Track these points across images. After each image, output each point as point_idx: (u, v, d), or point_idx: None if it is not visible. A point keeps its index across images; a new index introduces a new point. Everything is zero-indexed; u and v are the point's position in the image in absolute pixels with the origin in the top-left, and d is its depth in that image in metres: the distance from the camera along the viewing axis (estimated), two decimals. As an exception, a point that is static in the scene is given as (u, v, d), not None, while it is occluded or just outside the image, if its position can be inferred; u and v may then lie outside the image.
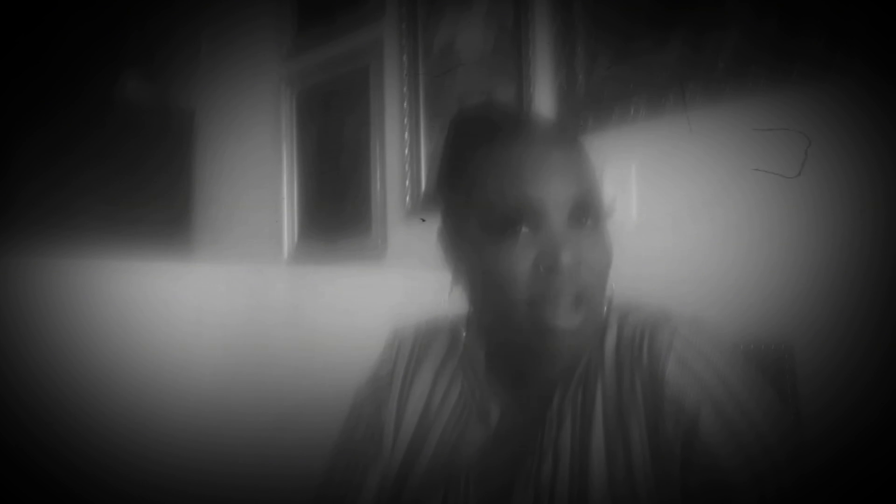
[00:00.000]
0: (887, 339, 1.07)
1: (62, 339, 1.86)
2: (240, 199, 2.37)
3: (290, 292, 2.13)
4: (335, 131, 2.06)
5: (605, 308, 0.83)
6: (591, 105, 1.45)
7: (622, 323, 0.82)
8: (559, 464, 0.79)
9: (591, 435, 0.78)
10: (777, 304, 1.18)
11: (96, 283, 1.97)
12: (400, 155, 1.85)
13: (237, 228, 2.36)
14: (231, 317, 2.19)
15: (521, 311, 0.77)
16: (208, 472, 1.90)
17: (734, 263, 1.24)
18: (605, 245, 0.80)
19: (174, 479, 1.89)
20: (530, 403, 0.85)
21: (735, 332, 1.10)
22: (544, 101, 1.53)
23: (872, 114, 1.10)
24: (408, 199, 1.83)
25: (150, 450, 1.92)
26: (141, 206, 2.34)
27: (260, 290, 2.20)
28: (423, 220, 1.68)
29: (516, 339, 0.81)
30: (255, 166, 2.31)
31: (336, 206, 2.05)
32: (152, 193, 2.38)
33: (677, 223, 1.32)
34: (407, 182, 1.83)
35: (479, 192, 0.79)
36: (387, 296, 1.79)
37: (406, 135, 1.84)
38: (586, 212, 0.78)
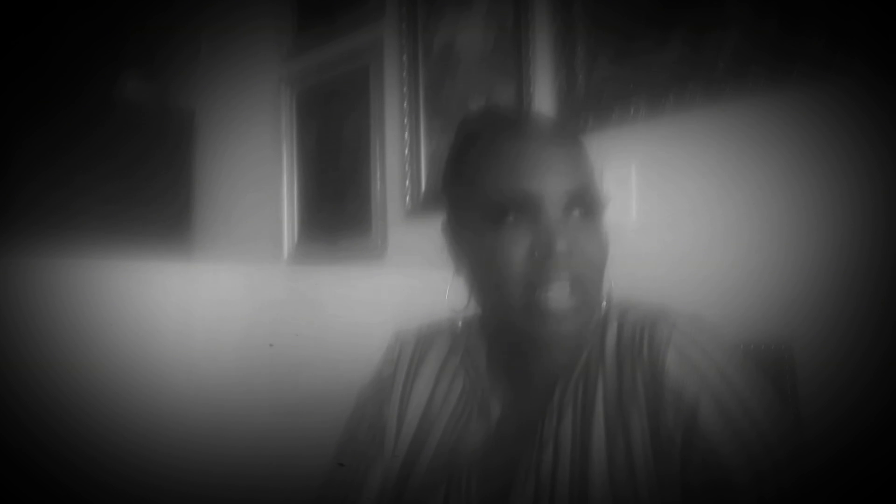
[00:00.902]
0: (887, 339, 1.07)
1: (62, 339, 1.86)
2: (240, 199, 2.37)
3: (290, 292, 2.13)
4: (335, 131, 2.06)
5: (605, 303, 0.85)
6: (591, 105, 1.45)
7: (622, 320, 0.84)
8: (560, 455, 0.80)
9: (592, 426, 0.80)
10: (777, 304, 1.18)
11: (96, 283, 1.97)
12: (400, 155, 1.85)
13: (237, 228, 2.36)
14: (231, 317, 2.19)
15: (517, 296, 0.80)
16: (209, 472, 1.90)
17: (734, 263, 1.24)
18: (600, 236, 0.83)
19: (174, 480, 1.89)
20: (531, 398, 0.86)
21: (735, 332, 1.10)
22: (544, 101, 1.53)
23: (872, 114, 1.10)
24: (408, 199, 1.83)
25: (149, 450, 1.92)
26: (141, 206, 2.34)
27: (260, 290, 2.20)
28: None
29: (514, 325, 0.83)
30: (255, 166, 2.31)
31: (336, 206, 2.05)
32: (152, 193, 2.38)
33: (677, 223, 1.32)
34: (407, 182, 1.83)
35: (479, 184, 0.82)
36: (387, 296, 1.79)
37: (406, 135, 1.84)
38: (582, 204, 0.81)
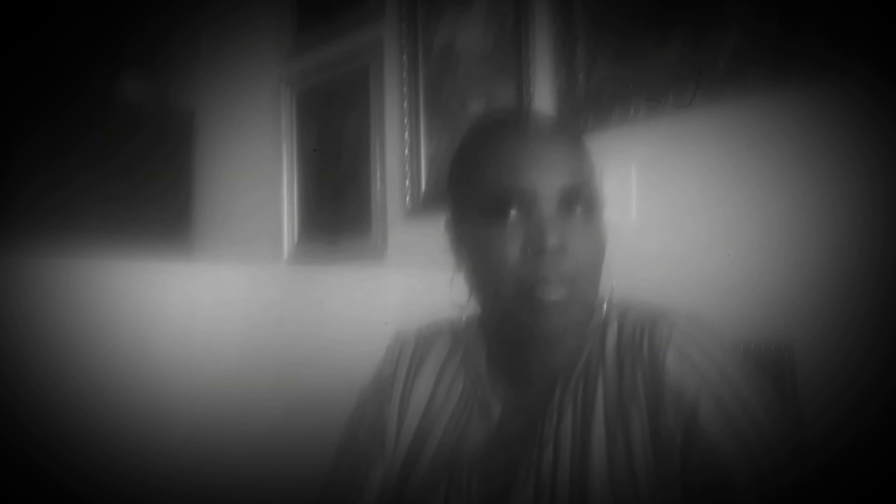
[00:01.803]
0: (887, 339, 1.07)
1: (62, 339, 1.86)
2: (240, 199, 2.37)
3: (290, 292, 2.13)
4: (335, 131, 2.06)
5: (605, 303, 0.86)
6: (591, 105, 1.45)
7: (623, 320, 0.84)
8: (560, 454, 0.80)
9: (592, 425, 0.80)
10: (777, 304, 1.18)
11: (96, 283, 1.97)
12: (400, 155, 1.85)
13: (237, 228, 2.36)
14: (231, 317, 2.19)
15: (511, 289, 0.80)
16: (209, 472, 1.90)
17: (734, 263, 1.24)
18: (596, 234, 0.83)
19: (175, 480, 1.89)
20: (532, 398, 0.86)
21: (735, 332, 1.10)
22: (544, 101, 1.53)
23: (872, 114, 1.10)
24: (408, 199, 1.83)
25: (150, 450, 1.91)
26: (141, 206, 2.34)
27: (260, 290, 2.20)
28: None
29: (509, 319, 0.84)
30: (255, 166, 2.31)
31: (336, 206, 2.05)
32: (152, 193, 2.38)
33: (677, 223, 1.32)
34: (407, 182, 1.83)
35: (478, 180, 0.83)
36: (387, 296, 1.79)
37: (406, 135, 1.84)
38: (578, 201, 0.82)
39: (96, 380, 1.91)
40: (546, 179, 0.81)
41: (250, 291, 2.19)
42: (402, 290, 1.72)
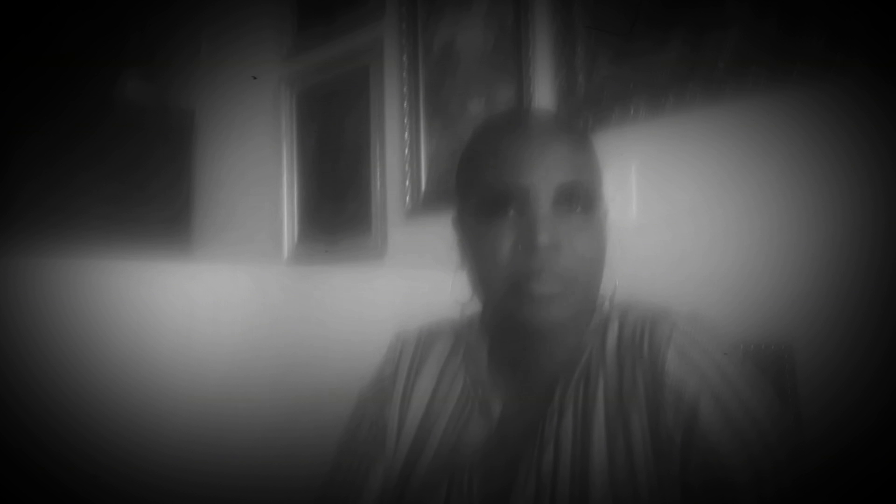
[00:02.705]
0: (887, 339, 1.07)
1: (62, 339, 1.86)
2: (240, 199, 2.37)
3: (289, 292, 2.13)
4: (335, 131, 2.06)
5: (606, 303, 0.86)
6: (591, 105, 1.45)
7: (623, 320, 0.84)
8: (560, 453, 0.80)
9: (593, 424, 0.80)
10: (777, 304, 1.18)
11: (96, 283, 1.97)
12: (400, 155, 1.85)
13: (237, 228, 2.36)
14: (231, 317, 2.19)
15: (504, 284, 0.81)
16: (209, 472, 1.89)
17: (734, 263, 1.24)
18: (594, 233, 0.83)
19: (175, 480, 1.89)
20: (532, 394, 0.86)
21: (735, 333, 1.10)
22: (544, 101, 1.53)
23: (872, 114, 1.10)
24: (408, 199, 1.83)
25: (150, 450, 1.91)
26: (141, 206, 2.34)
27: (260, 290, 2.20)
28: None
29: (505, 314, 0.84)
30: (255, 166, 2.31)
31: (336, 206, 2.05)
32: (152, 193, 2.38)
33: (677, 223, 1.32)
34: (407, 182, 1.83)
35: (480, 177, 0.84)
36: (387, 296, 1.79)
37: (406, 135, 1.83)
38: (575, 199, 0.82)
39: (96, 380, 1.90)
40: (542, 177, 0.81)
41: (250, 291, 2.19)
42: (402, 290, 1.72)
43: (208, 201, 2.48)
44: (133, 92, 2.46)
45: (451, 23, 1.75)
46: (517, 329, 0.85)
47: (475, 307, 0.91)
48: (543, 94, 1.54)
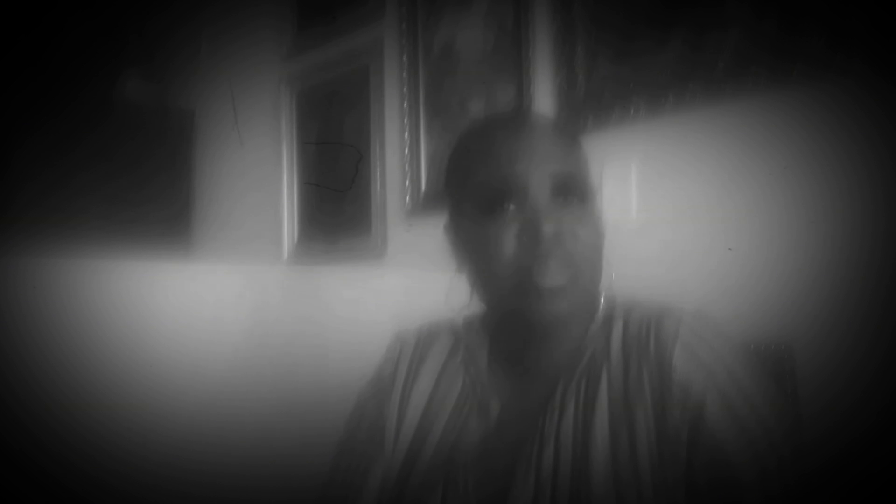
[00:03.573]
0: (887, 339, 1.07)
1: (62, 339, 1.86)
2: (240, 199, 2.37)
3: (289, 292, 2.13)
4: (335, 131, 2.06)
5: (602, 299, 0.86)
6: (591, 105, 1.45)
7: (627, 318, 0.84)
8: (560, 452, 0.80)
9: (595, 421, 0.80)
10: (777, 304, 1.18)
11: (96, 283, 1.97)
12: (400, 155, 1.85)
13: (237, 228, 2.36)
14: (231, 317, 2.19)
15: (512, 280, 0.81)
16: (209, 472, 1.89)
17: (734, 263, 1.24)
18: (593, 221, 0.84)
19: (174, 480, 1.89)
20: (532, 394, 0.86)
21: (735, 333, 1.10)
22: (544, 101, 1.53)
23: (872, 114, 1.10)
24: (408, 199, 1.83)
25: (149, 450, 1.91)
26: (141, 206, 2.34)
27: (260, 290, 2.20)
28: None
29: (510, 310, 0.84)
30: (254, 166, 2.31)
31: (336, 206, 2.05)
32: (152, 193, 2.38)
33: (677, 223, 1.32)
34: (407, 182, 1.83)
35: (473, 176, 0.85)
36: (387, 296, 1.79)
37: (406, 135, 1.83)
38: (571, 189, 0.82)
39: (96, 380, 1.90)
40: (537, 169, 0.81)
41: (250, 291, 2.19)
42: (401, 290, 1.72)
43: (208, 201, 2.47)
44: (133, 92, 2.46)
45: (451, 23, 1.75)
46: (521, 325, 0.85)
47: (474, 308, 0.91)
48: (543, 94, 1.54)
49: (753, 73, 1.22)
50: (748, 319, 1.17)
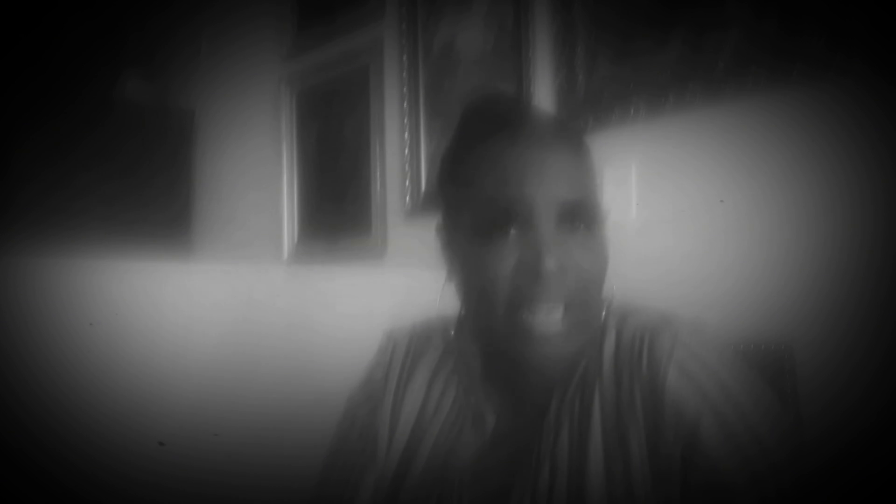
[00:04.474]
0: (887, 339, 1.07)
1: (62, 339, 1.86)
2: (240, 199, 2.37)
3: (290, 292, 2.13)
4: (335, 131, 2.06)
5: (603, 313, 0.81)
6: (591, 105, 1.44)
7: (621, 327, 0.80)
8: (557, 473, 0.77)
9: (589, 443, 0.77)
10: (777, 304, 1.18)
11: (96, 283, 1.97)
12: (400, 155, 1.85)
13: (237, 228, 2.36)
14: (231, 317, 2.19)
15: (502, 314, 0.75)
16: (206, 472, 1.90)
17: (734, 264, 1.24)
18: (599, 251, 0.78)
19: (173, 479, 1.89)
20: (526, 409, 0.83)
21: (735, 333, 1.10)
22: (544, 101, 1.53)
23: (872, 114, 1.10)
24: (408, 199, 1.83)
25: (149, 449, 1.92)
26: (141, 206, 2.34)
27: (260, 290, 2.20)
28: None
29: (500, 344, 0.79)
30: (255, 166, 2.31)
31: (336, 206, 2.05)
32: (152, 194, 2.38)
33: (677, 223, 1.32)
34: (407, 182, 1.83)
35: (474, 190, 0.78)
36: (386, 296, 1.79)
37: (406, 135, 1.83)
38: (579, 216, 0.76)
39: (96, 379, 1.91)
40: (544, 192, 0.74)
41: (251, 291, 2.20)
42: (401, 290, 1.72)
43: (208, 201, 2.48)
44: (133, 92, 2.46)
45: (451, 23, 1.75)
46: (511, 360, 0.80)
47: (464, 310, 0.88)
48: (543, 94, 1.54)
49: (753, 73, 1.22)
50: (748, 319, 1.17)
